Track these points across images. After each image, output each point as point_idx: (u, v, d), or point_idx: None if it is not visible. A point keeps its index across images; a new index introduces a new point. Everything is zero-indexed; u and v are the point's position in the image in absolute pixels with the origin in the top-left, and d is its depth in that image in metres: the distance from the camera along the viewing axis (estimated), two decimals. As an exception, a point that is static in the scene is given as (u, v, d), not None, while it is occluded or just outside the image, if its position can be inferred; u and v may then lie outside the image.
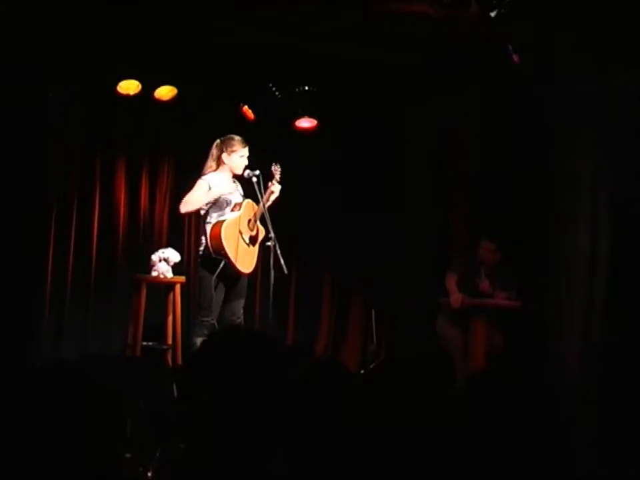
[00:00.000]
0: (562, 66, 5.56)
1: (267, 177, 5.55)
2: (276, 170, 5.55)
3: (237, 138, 5.51)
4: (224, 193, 5.46)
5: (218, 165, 5.50)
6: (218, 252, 5.38)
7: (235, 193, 5.54)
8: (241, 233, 5.44)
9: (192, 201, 5.45)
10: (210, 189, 5.44)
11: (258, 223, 5.51)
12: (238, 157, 5.49)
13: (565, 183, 5.90)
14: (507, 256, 5.97)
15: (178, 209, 5.60)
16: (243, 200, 5.55)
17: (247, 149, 5.50)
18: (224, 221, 5.42)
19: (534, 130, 6.00)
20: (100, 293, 6.52)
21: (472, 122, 6.60)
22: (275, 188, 5.51)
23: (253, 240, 5.51)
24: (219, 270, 5.34)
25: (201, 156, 6.57)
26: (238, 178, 5.58)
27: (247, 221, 5.51)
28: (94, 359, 5.31)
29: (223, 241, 5.35)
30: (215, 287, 5.39)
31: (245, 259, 5.44)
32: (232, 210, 5.49)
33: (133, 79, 6.22)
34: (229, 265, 5.36)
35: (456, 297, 5.84)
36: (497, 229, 6.06)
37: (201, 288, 5.47)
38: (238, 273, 5.43)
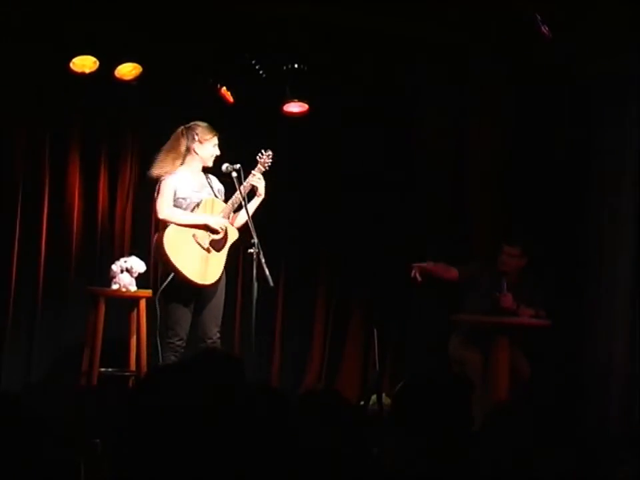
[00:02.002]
0: (602, 43, 5.57)
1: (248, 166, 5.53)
2: (264, 158, 5.52)
3: (205, 124, 5.52)
4: (189, 196, 5.45)
5: (185, 158, 5.49)
6: (162, 262, 5.40)
7: (202, 191, 5.52)
8: (195, 237, 5.41)
9: (163, 204, 5.44)
10: (175, 192, 5.45)
11: (227, 224, 5.47)
12: (211, 146, 5.50)
13: (605, 181, 5.91)
14: (535, 266, 5.96)
15: (155, 212, 5.56)
16: (208, 198, 5.51)
17: (217, 137, 5.51)
18: (169, 224, 5.41)
19: (568, 120, 6.02)
20: (49, 309, 6.48)
21: (495, 110, 6.61)
22: (257, 182, 5.48)
23: (217, 245, 5.46)
24: (166, 282, 5.34)
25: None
26: (210, 171, 5.55)
27: None
28: (40, 389, 5.28)
29: (167, 249, 5.34)
30: (184, 303, 5.37)
31: (202, 269, 5.38)
32: (192, 211, 5.47)
33: (89, 55, 6.20)
34: (179, 277, 5.34)
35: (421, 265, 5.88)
36: (522, 233, 6.05)
37: (165, 304, 5.45)
38: (198, 286, 5.39)
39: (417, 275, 5.91)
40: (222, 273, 5.48)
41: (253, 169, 5.54)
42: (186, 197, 5.46)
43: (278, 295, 6.93)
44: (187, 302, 5.40)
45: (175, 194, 5.46)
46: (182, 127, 5.54)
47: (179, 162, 5.50)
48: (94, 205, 6.68)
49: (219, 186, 5.60)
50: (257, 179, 5.49)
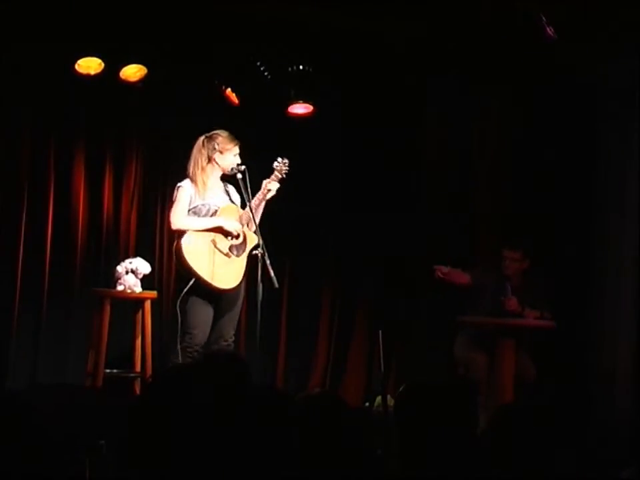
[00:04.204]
0: (606, 44, 5.57)
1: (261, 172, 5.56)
2: (281, 165, 5.58)
3: (226, 134, 5.54)
4: (208, 202, 5.48)
5: (206, 166, 5.51)
6: (183, 268, 5.41)
7: (219, 198, 5.55)
8: (214, 242, 5.43)
9: (177, 213, 5.46)
10: (193, 199, 5.47)
11: (245, 228, 5.50)
12: (232, 155, 5.52)
13: (610, 182, 5.90)
14: (540, 268, 5.95)
15: (168, 221, 5.57)
16: (226, 205, 5.54)
17: (238, 146, 5.54)
18: (186, 231, 5.42)
19: (573, 121, 6.01)
20: (54, 310, 6.48)
21: (500, 109, 6.61)
22: (272, 186, 5.54)
23: (236, 249, 5.48)
24: (187, 287, 5.35)
25: (175, 148, 6.61)
26: (225, 177, 5.58)
27: None
28: (46, 389, 5.28)
29: (186, 254, 5.36)
30: (207, 307, 5.39)
31: (223, 273, 5.41)
32: (211, 217, 5.49)
33: (94, 56, 6.21)
34: (200, 282, 5.36)
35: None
36: (521, 237, 6.04)
37: (187, 308, 5.45)
38: (219, 291, 5.42)
39: (440, 274, 5.91)
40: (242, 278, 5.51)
41: (259, 172, 5.57)
42: (205, 203, 5.49)
43: (283, 296, 6.94)
44: (210, 306, 5.42)
45: (192, 201, 5.48)
46: (203, 137, 5.54)
47: (203, 170, 5.50)
48: (99, 206, 6.68)
49: (236, 195, 5.60)
50: (273, 185, 5.54)
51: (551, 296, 5.90)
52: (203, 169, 5.51)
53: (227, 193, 5.59)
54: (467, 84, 6.62)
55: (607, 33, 5.65)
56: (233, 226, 5.45)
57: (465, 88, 6.66)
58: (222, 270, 5.42)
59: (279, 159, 5.59)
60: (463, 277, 6.01)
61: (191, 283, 5.35)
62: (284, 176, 5.57)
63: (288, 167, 5.58)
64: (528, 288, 5.91)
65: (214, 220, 5.46)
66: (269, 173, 5.68)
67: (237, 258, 5.48)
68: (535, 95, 6.28)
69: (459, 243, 6.62)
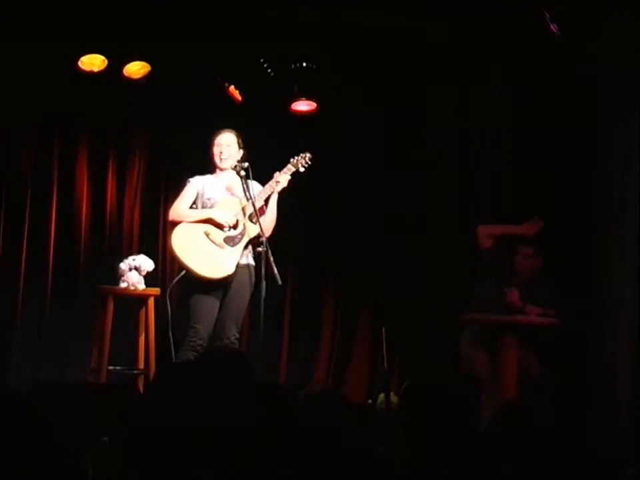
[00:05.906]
0: (608, 43, 5.57)
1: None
2: (298, 159, 5.60)
3: (223, 129, 5.58)
4: (215, 196, 5.51)
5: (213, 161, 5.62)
6: (173, 258, 5.47)
7: (227, 191, 5.57)
8: (207, 234, 5.45)
9: (175, 206, 5.55)
10: (198, 193, 5.52)
11: (246, 220, 5.50)
12: (215, 146, 5.59)
13: (612, 181, 5.89)
14: (547, 266, 5.95)
15: (167, 214, 5.65)
16: (226, 199, 5.56)
17: (222, 136, 5.56)
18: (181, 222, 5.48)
19: (574, 120, 6.01)
20: (57, 307, 6.50)
21: (502, 104, 6.60)
22: (282, 178, 5.56)
23: (231, 241, 5.49)
24: (177, 278, 5.43)
25: (178, 145, 6.62)
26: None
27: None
28: (49, 387, 5.28)
29: (174, 244, 5.43)
30: (209, 300, 5.41)
31: (213, 263, 5.43)
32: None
33: (97, 53, 6.21)
34: (188, 271, 5.39)
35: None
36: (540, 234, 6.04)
37: (188, 302, 5.47)
38: (209, 280, 5.43)
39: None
40: (245, 273, 5.51)
41: (262, 169, 5.58)
42: (211, 197, 5.55)
43: (286, 294, 6.93)
44: (214, 299, 5.44)
45: (200, 195, 5.54)
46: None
47: (213, 166, 5.60)
48: (102, 203, 6.70)
49: (257, 188, 5.57)
50: (283, 177, 5.56)
51: (554, 294, 5.89)
52: (213, 164, 5.59)
53: (241, 185, 5.52)
54: (468, 84, 6.62)
55: (607, 32, 5.64)
56: (223, 218, 5.48)
57: (467, 88, 6.66)
58: (212, 260, 5.44)
59: (301, 154, 5.61)
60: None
61: (182, 274, 5.41)
62: (300, 170, 5.59)
63: (310, 161, 5.60)
64: (534, 286, 5.89)
65: (205, 212, 5.51)
66: (270, 170, 5.69)
67: (231, 248, 5.49)
68: (534, 94, 6.27)
69: (463, 242, 6.62)
